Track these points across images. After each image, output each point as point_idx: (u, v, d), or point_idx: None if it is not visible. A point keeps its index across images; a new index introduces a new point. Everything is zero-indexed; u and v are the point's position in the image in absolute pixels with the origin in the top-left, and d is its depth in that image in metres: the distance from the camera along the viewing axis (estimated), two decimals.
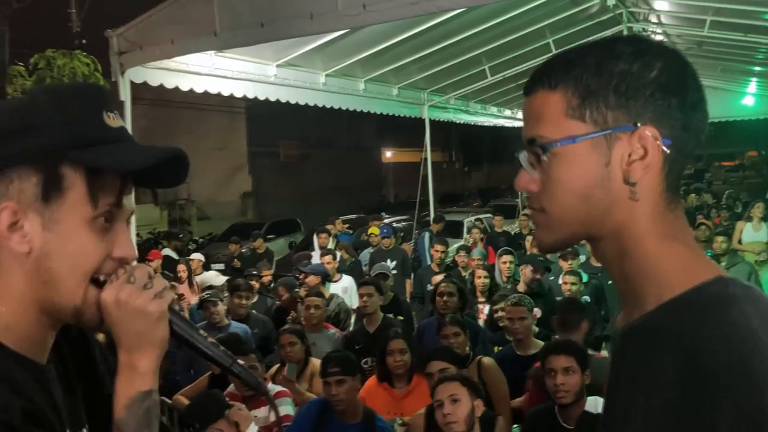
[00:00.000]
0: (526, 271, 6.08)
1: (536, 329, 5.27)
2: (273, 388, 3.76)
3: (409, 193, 23.08)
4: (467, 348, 4.35)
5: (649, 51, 0.88)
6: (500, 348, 4.87)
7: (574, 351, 3.40)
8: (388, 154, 35.84)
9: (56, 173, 0.92)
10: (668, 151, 0.85)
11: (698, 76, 0.90)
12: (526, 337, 4.47)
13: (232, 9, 4.83)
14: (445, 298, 5.04)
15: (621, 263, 0.90)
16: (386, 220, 13.06)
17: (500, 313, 4.99)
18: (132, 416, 0.96)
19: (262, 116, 23.09)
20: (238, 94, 6.76)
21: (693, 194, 14.99)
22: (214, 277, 8.68)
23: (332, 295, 6.22)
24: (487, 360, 4.09)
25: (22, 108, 0.96)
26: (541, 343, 4.51)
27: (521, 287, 5.98)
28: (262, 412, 3.58)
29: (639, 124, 0.85)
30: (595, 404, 3.26)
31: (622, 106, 0.86)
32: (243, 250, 11.23)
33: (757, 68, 11.63)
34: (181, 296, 7.09)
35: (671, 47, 0.93)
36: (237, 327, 5.26)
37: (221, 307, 5.36)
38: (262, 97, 7.04)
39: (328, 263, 6.96)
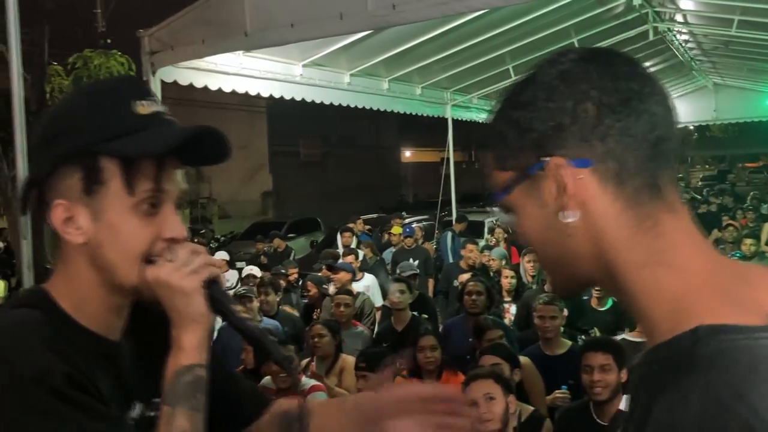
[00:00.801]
0: (528, 267, 6.07)
1: (562, 329, 5.28)
2: (307, 381, 3.81)
3: (429, 193, 23.09)
4: None
5: (542, 74, 0.82)
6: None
7: (612, 349, 3.43)
8: (408, 154, 35.86)
9: (95, 167, 0.99)
10: (588, 174, 0.78)
11: (626, 75, 0.80)
12: (555, 337, 4.48)
13: (263, 9, 4.88)
14: (473, 297, 5.05)
15: (619, 297, 0.83)
16: (407, 220, 13.11)
17: None
18: (174, 389, 1.00)
19: (283, 115, 23.25)
20: (265, 94, 6.82)
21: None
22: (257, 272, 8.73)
23: (357, 293, 6.27)
24: (524, 359, 4.11)
25: (60, 112, 1.06)
26: (569, 342, 4.52)
27: (548, 287, 5.98)
28: None
29: (544, 158, 0.79)
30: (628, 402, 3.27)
31: (526, 146, 0.81)
32: (265, 249, 11.35)
33: None
34: None
35: (598, 52, 0.84)
36: (268, 323, 5.34)
37: (255, 304, 5.42)
38: (288, 97, 7.10)
39: (350, 262, 7.02)
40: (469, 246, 7.70)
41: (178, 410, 0.99)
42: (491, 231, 12.29)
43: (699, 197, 15.20)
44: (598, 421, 3.32)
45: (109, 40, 11.92)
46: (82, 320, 1.02)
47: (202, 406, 1.01)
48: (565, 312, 4.79)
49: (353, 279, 6.90)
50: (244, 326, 1.10)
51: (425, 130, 28.52)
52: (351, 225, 10.62)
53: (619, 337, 4.70)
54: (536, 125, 0.79)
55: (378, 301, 7.08)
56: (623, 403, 3.26)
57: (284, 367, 1.21)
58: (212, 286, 1.05)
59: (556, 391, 4.02)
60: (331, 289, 6.07)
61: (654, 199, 0.78)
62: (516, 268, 6.93)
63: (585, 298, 5.63)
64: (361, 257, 7.60)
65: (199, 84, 5.92)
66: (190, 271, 1.02)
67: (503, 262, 7.43)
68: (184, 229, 1.07)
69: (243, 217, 22.80)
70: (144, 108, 1.03)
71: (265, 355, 1.12)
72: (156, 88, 5.35)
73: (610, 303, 5.64)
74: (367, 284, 7.00)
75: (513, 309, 6.08)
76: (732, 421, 0.62)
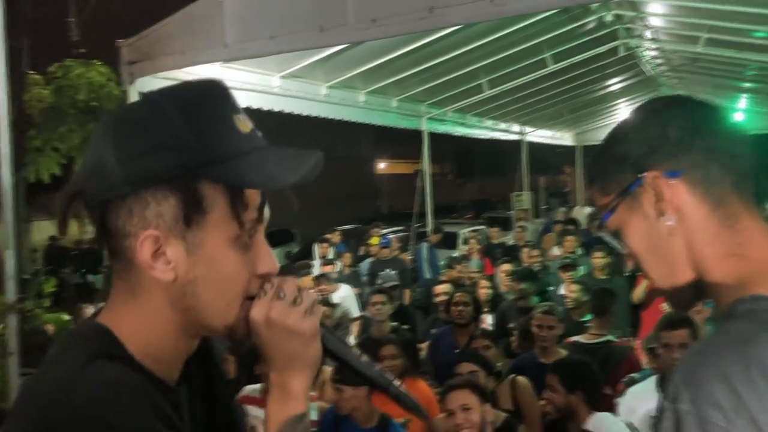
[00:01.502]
0: (505, 281, 6.14)
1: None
2: None
3: (404, 204, 23.17)
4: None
5: (633, 115, 1.05)
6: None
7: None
8: (383, 166, 35.97)
9: (197, 194, 0.86)
10: (679, 182, 0.96)
11: (696, 108, 1.02)
12: (552, 345, 4.58)
13: (243, 21, 4.91)
14: (460, 307, 5.12)
15: (708, 287, 0.98)
16: (382, 231, 13.15)
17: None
18: None
19: (258, 126, 23.14)
20: (243, 105, 6.78)
21: None
22: None
23: (337, 304, 6.29)
24: (521, 380, 4.17)
25: (148, 121, 0.88)
26: (564, 352, 4.60)
27: (521, 302, 6.08)
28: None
29: (641, 175, 0.98)
30: None
31: (626, 170, 1.00)
32: None
33: (747, 84, 11.85)
34: None
35: (673, 97, 1.10)
36: None
37: None
38: (265, 108, 7.12)
39: (330, 272, 7.05)
40: (456, 266, 7.71)
41: None
42: (465, 242, 12.40)
43: None
44: None
45: (83, 50, 11.80)
46: (148, 365, 0.89)
47: None
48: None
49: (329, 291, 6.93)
50: (369, 373, 1.00)
51: (400, 142, 28.65)
52: (328, 236, 10.63)
53: (572, 340, 4.84)
54: (632, 152, 1.00)
55: (355, 312, 7.12)
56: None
57: (414, 410, 1.05)
58: (325, 327, 0.96)
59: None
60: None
61: (734, 201, 0.96)
62: (491, 279, 7.01)
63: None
64: (338, 268, 7.62)
65: None
66: (305, 310, 0.92)
67: (479, 275, 7.51)
68: (277, 263, 0.97)
69: None
70: (243, 124, 0.92)
71: (396, 401, 1.02)
72: (135, 98, 5.35)
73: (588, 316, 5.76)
74: (343, 295, 7.03)
75: (489, 319, 6.16)
76: (734, 356, 0.80)
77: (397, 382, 1.01)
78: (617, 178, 1.01)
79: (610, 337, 4.90)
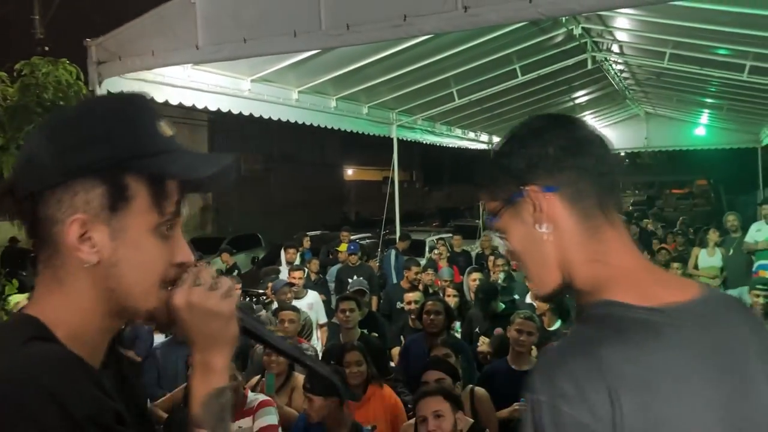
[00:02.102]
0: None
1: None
2: (256, 397, 3.77)
3: (371, 211, 23.18)
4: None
5: (517, 131, 1.17)
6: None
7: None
8: (350, 172, 35.96)
9: (121, 183, 0.94)
10: (553, 196, 1.09)
11: (575, 128, 1.15)
12: (527, 353, 4.60)
13: (216, 23, 4.87)
14: (432, 316, 5.10)
15: (572, 289, 1.12)
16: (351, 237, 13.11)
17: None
18: (209, 413, 0.99)
19: (224, 129, 22.98)
20: (212, 108, 6.77)
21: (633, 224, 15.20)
22: None
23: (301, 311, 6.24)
24: (480, 390, 4.20)
25: (79, 120, 0.97)
26: (536, 360, 4.65)
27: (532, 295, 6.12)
28: (246, 422, 3.59)
29: (523, 187, 1.11)
30: None
31: (510, 181, 1.13)
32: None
33: (709, 100, 12.14)
34: None
35: (556, 116, 1.20)
36: None
37: None
38: (236, 111, 7.06)
39: (299, 278, 6.98)
40: (413, 267, 7.77)
41: None
42: (431, 249, 12.46)
43: (631, 221, 15.77)
44: None
45: (47, 48, 11.57)
46: (76, 349, 0.93)
47: (230, 428, 1.02)
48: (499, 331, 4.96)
49: (296, 296, 6.87)
50: (283, 347, 1.09)
51: (368, 149, 28.69)
52: (303, 241, 10.55)
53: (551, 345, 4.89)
54: (515, 165, 1.12)
55: (322, 318, 7.07)
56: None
57: (329, 380, 1.18)
58: (242, 309, 1.05)
59: (515, 404, 4.11)
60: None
61: (599, 215, 1.10)
62: (459, 287, 7.04)
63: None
64: (305, 274, 7.56)
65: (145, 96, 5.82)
66: (223, 294, 1.00)
67: (448, 282, 7.52)
68: (192, 254, 1.04)
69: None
70: (165, 129, 1.01)
71: (312, 374, 1.11)
72: None
73: (558, 324, 5.82)
74: (310, 301, 6.97)
75: (457, 326, 6.18)
76: (581, 356, 0.95)
77: (311, 354, 1.09)
78: (503, 188, 1.14)
79: None
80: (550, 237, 1.10)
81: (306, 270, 7.97)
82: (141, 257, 0.96)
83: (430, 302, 5.32)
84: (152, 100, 1.06)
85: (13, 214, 0.96)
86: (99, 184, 0.93)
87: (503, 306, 6.17)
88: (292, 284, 6.77)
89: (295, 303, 6.66)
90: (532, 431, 0.94)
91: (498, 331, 5.77)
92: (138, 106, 1.01)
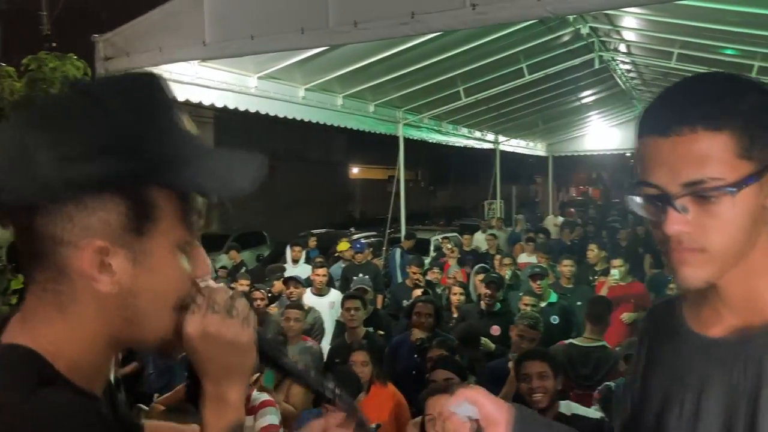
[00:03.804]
0: (480, 288, 6.20)
1: (492, 346, 5.40)
2: (258, 397, 3.77)
3: (376, 210, 23.17)
4: None
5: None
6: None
7: (548, 357, 3.59)
8: (356, 171, 35.97)
9: (148, 200, 0.79)
10: None
11: None
12: None
13: (223, 19, 4.87)
14: (422, 318, 5.09)
15: (749, 283, 0.95)
16: (355, 236, 13.14)
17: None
18: None
19: (230, 127, 22.98)
20: (219, 105, 6.77)
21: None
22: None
23: (310, 308, 6.23)
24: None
25: (92, 118, 0.78)
26: None
27: (483, 304, 6.14)
28: (248, 420, 3.59)
29: None
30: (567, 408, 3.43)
31: None
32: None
33: None
34: None
35: None
36: None
37: None
38: (242, 109, 7.06)
39: (323, 276, 6.92)
40: (414, 267, 7.75)
41: None
42: (437, 249, 12.46)
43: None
44: None
45: (54, 44, 11.59)
46: (77, 381, 0.81)
47: None
48: (496, 330, 4.97)
49: (319, 294, 6.82)
50: (300, 375, 0.99)
51: (374, 147, 28.69)
52: (309, 240, 10.53)
53: (566, 342, 4.90)
54: None
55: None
56: (563, 408, 3.41)
57: (349, 412, 1.01)
58: (260, 335, 0.93)
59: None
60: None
61: None
62: (465, 286, 7.03)
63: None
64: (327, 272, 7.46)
65: None
66: (242, 321, 0.88)
67: (453, 280, 7.52)
68: (209, 265, 0.92)
69: None
70: (190, 125, 0.85)
71: (333, 405, 1.00)
72: None
73: (555, 321, 5.82)
74: (332, 300, 6.81)
75: None
76: None
77: (332, 387, 0.99)
78: (765, 148, 0.87)
79: (604, 343, 4.98)
80: None
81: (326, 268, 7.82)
82: (163, 283, 0.83)
83: (420, 303, 5.30)
84: (168, 85, 0.86)
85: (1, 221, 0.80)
86: (121, 201, 0.77)
87: (499, 306, 6.16)
88: (295, 279, 6.74)
89: (315, 301, 6.68)
90: None
91: (495, 329, 5.78)
92: (158, 97, 0.83)
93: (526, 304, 5.82)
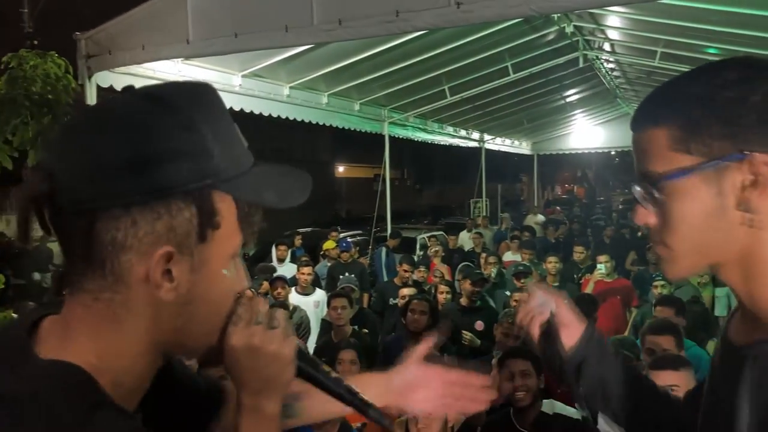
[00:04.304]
0: (466, 285, 6.23)
1: (478, 342, 5.42)
2: None
3: (362, 209, 23.18)
4: None
5: (755, 76, 0.86)
6: None
7: (530, 355, 3.55)
8: (341, 169, 35.95)
9: (212, 207, 0.78)
10: None
11: None
12: None
13: (207, 17, 4.84)
14: (416, 316, 4.95)
15: (748, 287, 0.91)
16: (340, 235, 13.12)
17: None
18: None
19: None
20: None
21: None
22: None
23: (295, 307, 6.21)
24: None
25: (164, 123, 0.77)
26: None
27: (463, 301, 6.15)
28: None
29: (746, 152, 0.84)
30: (550, 407, 3.42)
31: (727, 135, 0.85)
32: None
33: None
34: None
35: None
36: None
37: None
38: (226, 107, 7.01)
39: (308, 275, 6.90)
40: (404, 265, 7.74)
41: None
42: (423, 247, 12.48)
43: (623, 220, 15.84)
44: (519, 428, 3.43)
45: (36, 41, 11.48)
46: (116, 396, 0.78)
47: None
48: (480, 325, 4.95)
49: (304, 293, 6.80)
50: (337, 392, 0.99)
51: (359, 146, 28.68)
52: (295, 239, 10.51)
53: None
54: (746, 118, 0.84)
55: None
56: (546, 407, 3.41)
57: (383, 425, 1.04)
58: (299, 349, 0.94)
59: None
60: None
61: None
62: (451, 285, 7.04)
63: None
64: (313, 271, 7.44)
65: None
66: (284, 335, 0.89)
67: (439, 279, 7.53)
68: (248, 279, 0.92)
69: None
70: (242, 137, 0.86)
71: (365, 416, 1.01)
72: (92, 92, 5.22)
73: None
74: (317, 299, 6.78)
75: None
76: None
77: (367, 400, 1.00)
78: (711, 141, 0.86)
79: None
80: (750, 224, 0.85)
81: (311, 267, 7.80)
82: (217, 291, 0.83)
83: (415, 301, 5.22)
84: (218, 93, 0.87)
85: (47, 226, 0.78)
86: (187, 207, 0.76)
87: (479, 303, 6.18)
88: (283, 279, 6.72)
89: (301, 300, 6.64)
90: None
91: (479, 324, 5.79)
92: (219, 106, 0.84)
93: (517, 301, 5.83)
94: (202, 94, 0.83)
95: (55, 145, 0.79)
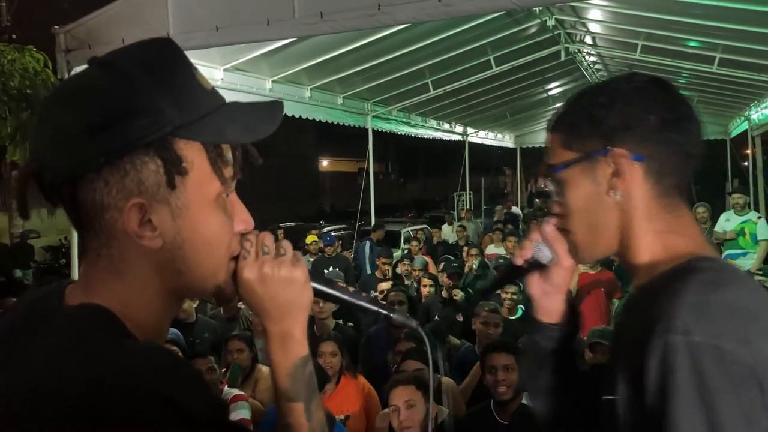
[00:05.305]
0: (443, 278, 6.25)
1: (458, 342, 5.43)
2: (230, 392, 3.75)
3: (346, 202, 23.15)
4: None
5: (617, 96, 1.08)
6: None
7: (513, 349, 3.61)
8: (325, 163, 35.86)
9: (176, 155, 0.83)
10: (639, 166, 1.05)
11: (679, 101, 1.09)
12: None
13: (187, 11, 4.80)
14: (396, 306, 5.06)
15: (627, 256, 1.10)
16: (324, 229, 13.11)
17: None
18: (299, 383, 0.96)
19: None
20: None
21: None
22: None
23: None
24: (447, 381, 4.16)
25: (114, 88, 0.82)
26: None
27: (444, 293, 6.19)
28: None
29: (609, 147, 1.05)
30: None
31: (596, 136, 1.07)
32: None
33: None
34: None
35: (661, 80, 1.12)
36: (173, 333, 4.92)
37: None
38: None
39: None
40: (383, 258, 7.75)
41: (313, 402, 0.96)
42: (407, 240, 12.49)
43: None
44: (500, 420, 3.46)
45: (14, 36, 11.33)
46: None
47: (320, 397, 1.00)
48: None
49: None
50: (358, 301, 1.04)
51: (343, 140, 28.63)
52: (278, 234, 10.49)
53: None
54: (609, 122, 1.06)
55: None
56: (526, 398, 3.44)
57: (410, 328, 1.10)
58: (312, 270, 1.00)
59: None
60: None
61: (675, 195, 1.08)
62: (435, 278, 7.06)
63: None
64: None
65: None
66: (293, 260, 0.94)
67: (422, 272, 7.54)
68: (251, 218, 0.96)
69: None
70: (205, 81, 0.89)
71: (387, 320, 1.07)
72: None
73: (519, 312, 5.86)
74: None
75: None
76: (719, 296, 0.92)
77: (384, 303, 1.07)
78: (585, 140, 1.08)
79: None
80: (620, 205, 1.06)
81: None
82: (206, 233, 0.87)
83: (392, 292, 5.28)
84: (179, 46, 0.91)
85: (50, 200, 0.85)
86: (150, 160, 0.81)
87: (463, 295, 6.21)
88: None
89: None
90: (687, 376, 0.86)
91: (458, 317, 5.81)
92: (171, 58, 0.87)
93: (507, 292, 5.86)
94: (154, 49, 0.88)
95: (34, 125, 0.86)
